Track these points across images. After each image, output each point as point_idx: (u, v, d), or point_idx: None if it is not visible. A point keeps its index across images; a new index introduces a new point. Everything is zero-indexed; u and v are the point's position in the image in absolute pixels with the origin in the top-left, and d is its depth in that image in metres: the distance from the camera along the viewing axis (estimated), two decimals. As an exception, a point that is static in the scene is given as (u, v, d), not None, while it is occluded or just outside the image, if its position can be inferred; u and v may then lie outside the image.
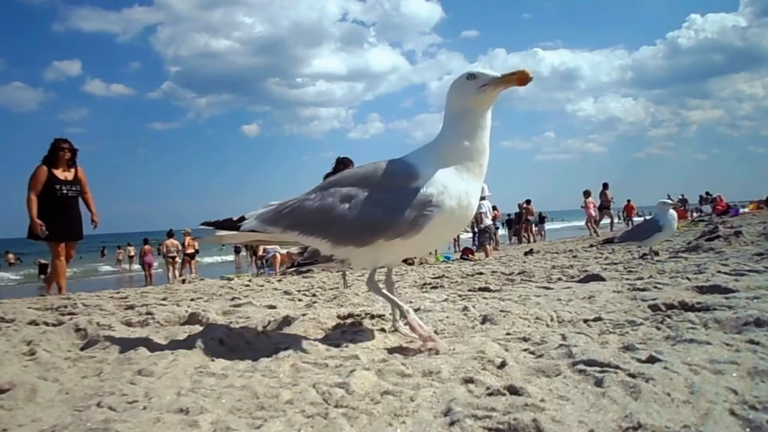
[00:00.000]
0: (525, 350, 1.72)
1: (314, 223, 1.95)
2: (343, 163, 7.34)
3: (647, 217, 9.42)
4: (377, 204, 1.86)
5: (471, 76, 1.88)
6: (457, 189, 1.85)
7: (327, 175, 7.31)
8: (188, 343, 1.95)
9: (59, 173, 6.23)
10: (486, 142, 1.92)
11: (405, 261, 8.36)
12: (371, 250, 1.91)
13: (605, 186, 19.12)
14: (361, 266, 2.17)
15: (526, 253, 9.78)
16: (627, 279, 3.42)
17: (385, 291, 1.98)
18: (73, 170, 6.38)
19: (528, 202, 23.64)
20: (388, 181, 1.90)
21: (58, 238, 6.21)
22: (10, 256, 34.88)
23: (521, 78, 1.83)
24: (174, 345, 1.99)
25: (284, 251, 11.22)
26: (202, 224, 2.19)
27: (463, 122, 1.90)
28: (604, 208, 19.00)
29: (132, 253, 27.88)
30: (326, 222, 1.92)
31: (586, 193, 19.13)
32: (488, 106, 1.93)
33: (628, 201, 27.33)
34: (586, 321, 2.11)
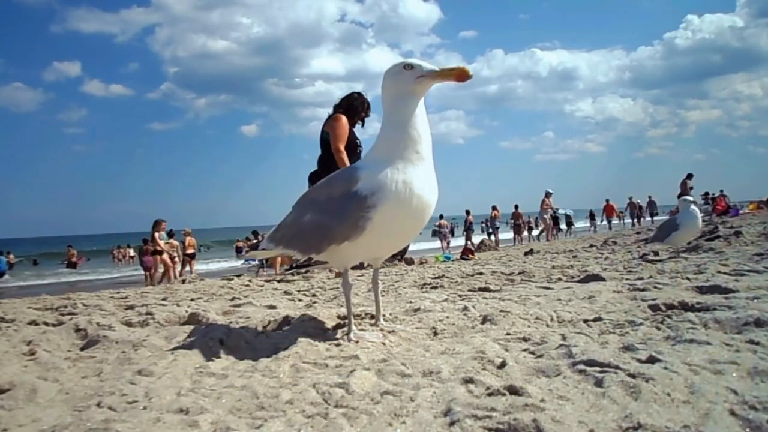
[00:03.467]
0: (525, 350, 1.72)
1: (289, 237, 2.12)
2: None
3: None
4: (324, 213, 1.96)
5: (408, 66, 1.93)
6: (395, 182, 1.83)
7: (312, 174, 7.23)
8: (188, 343, 1.95)
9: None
10: (420, 128, 1.92)
11: (405, 261, 8.34)
12: (329, 255, 2.03)
13: (689, 176, 18.27)
14: (333, 267, 2.34)
15: (526, 253, 9.77)
16: (627, 279, 3.42)
17: (350, 299, 2.11)
18: None
19: (516, 207, 23.73)
20: (333, 189, 1.99)
21: None
22: (11, 256, 34.91)
23: (460, 74, 1.86)
24: (174, 345, 2.00)
25: None
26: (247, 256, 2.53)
27: (397, 113, 1.93)
28: (682, 195, 18.57)
29: (132, 254, 27.87)
30: (293, 235, 2.10)
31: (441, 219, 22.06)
32: (421, 96, 1.96)
33: (607, 201, 26.63)
34: (586, 321, 2.11)
